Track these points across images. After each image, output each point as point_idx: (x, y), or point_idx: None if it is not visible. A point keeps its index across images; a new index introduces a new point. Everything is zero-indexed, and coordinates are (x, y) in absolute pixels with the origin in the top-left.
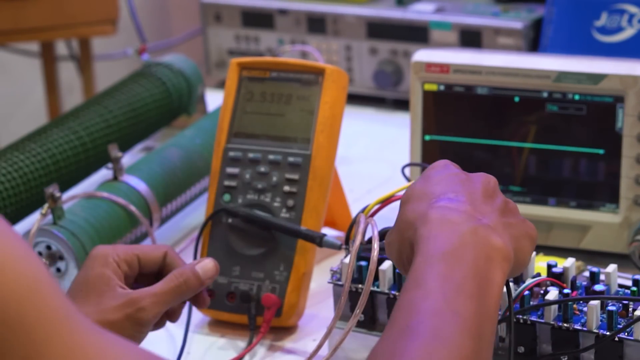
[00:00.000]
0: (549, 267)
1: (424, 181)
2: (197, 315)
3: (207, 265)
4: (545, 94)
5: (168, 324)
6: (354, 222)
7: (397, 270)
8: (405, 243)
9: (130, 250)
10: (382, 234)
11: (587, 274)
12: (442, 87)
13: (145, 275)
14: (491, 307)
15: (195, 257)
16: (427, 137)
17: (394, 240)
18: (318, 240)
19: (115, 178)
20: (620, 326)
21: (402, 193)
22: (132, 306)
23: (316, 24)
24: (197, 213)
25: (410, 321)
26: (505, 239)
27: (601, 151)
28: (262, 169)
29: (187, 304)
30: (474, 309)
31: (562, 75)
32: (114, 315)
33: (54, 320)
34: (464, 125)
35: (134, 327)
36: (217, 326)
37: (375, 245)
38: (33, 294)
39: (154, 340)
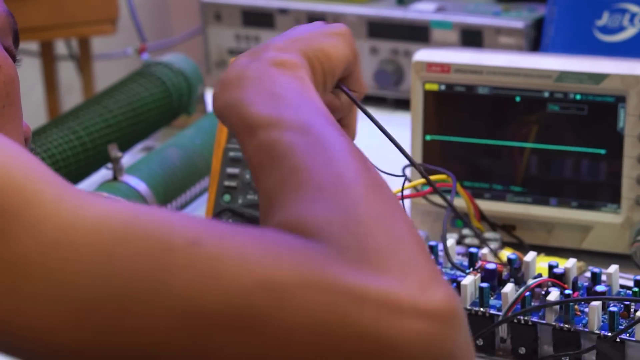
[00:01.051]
0: (550, 267)
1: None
2: None
3: None
4: (546, 94)
5: None
6: None
7: None
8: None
9: None
10: None
11: (588, 274)
12: (443, 87)
13: None
14: (314, 101)
15: None
16: (428, 137)
17: None
18: None
19: (115, 178)
20: (622, 327)
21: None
22: None
23: None
24: (197, 213)
25: (272, 152)
26: (292, 52)
27: (603, 151)
28: None
29: None
30: (311, 107)
31: (563, 75)
32: None
33: (44, 177)
34: (465, 125)
35: None
36: None
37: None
38: (24, 164)
39: None
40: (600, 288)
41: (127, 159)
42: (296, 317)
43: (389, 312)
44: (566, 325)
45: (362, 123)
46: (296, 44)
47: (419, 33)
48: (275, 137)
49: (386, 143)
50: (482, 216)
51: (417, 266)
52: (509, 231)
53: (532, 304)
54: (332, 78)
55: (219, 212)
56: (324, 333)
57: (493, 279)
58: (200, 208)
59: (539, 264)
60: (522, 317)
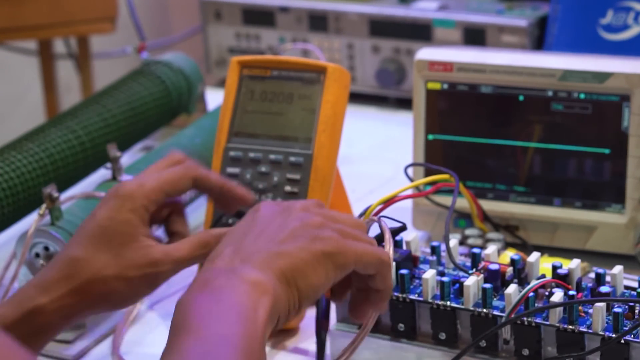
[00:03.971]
0: (554, 268)
1: None
2: None
3: None
4: (550, 93)
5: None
6: None
7: (400, 272)
8: None
9: (159, 189)
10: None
11: (592, 275)
12: (445, 86)
13: None
14: (257, 333)
15: None
16: (431, 137)
17: None
18: None
19: (114, 178)
20: (626, 328)
21: (405, 193)
22: (153, 267)
23: (318, 21)
24: (197, 213)
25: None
26: (269, 273)
27: (607, 151)
28: (263, 168)
29: None
30: (240, 331)
31: (567, 74)
32: (133, 273)
33: None
34: (467, 124)
35: (148, 285)
36: None
37: (389, 247)
38: None
39: (155, 344)
40: (604, 289)
41: (126, 158)
42: None
43: None
44: (570, 327)
45: (365, 121)
46: (278, 262)
47: (421, 31)
48: (183, 341)
49: (389, 143)
50: (485, 216)
51: None
52: (512, 231)
53: (536, 305)
54: (308, 301)
55: (222, 214)
56: None
57: (496, 280)
58: (200, 208)
59: (543, 264)
60: (525, 319)
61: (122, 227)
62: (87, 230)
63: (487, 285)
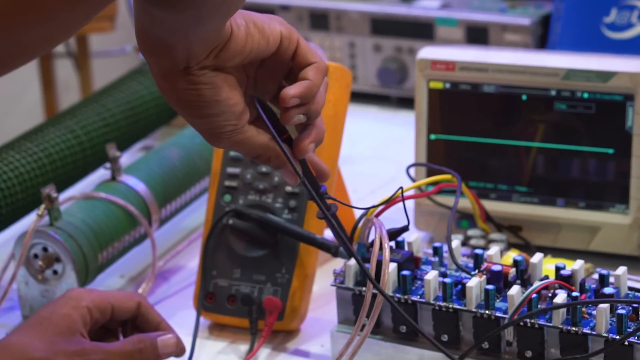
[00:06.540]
0: (557, 269)
1: None
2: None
3: (168, 340)
4: (553, 92)
5: (176, 328)
6: (357, 223)
7: (401, 272)
8: None
9: (106, 298)
10: (391, 234)
11: (596, 276)
12: (447, 85)
13: (116, 320)
14: None
15: (203, 260)
16: (433, 136)
17: None
18: (334, 251)
19: (113, 178)
20: (630, 330)
21: (407, 194)
22: (81, 356)
23: (319, 20)
24: (197, 214)
25: None
26: None
27: (610, 150)
28: (264, 168)
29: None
30: None
31: (570, 73)
32: (61, 359)
33: None
34: (470, 124)
35: None
36: (218, 330)
37: (386, 246)
38: None
39: None
40: (608, 290)
41: (126, 158)
42: None
43: None
44: (573, 328)
45: (366, 120)
46: None
47: (423, 30)
48: None
49: (390, 142)
50: (487, 217)
51: None
52: (515, 232)
53: (539, 306)
54: None
55: (224, 214)
56: None
57: (499, 281)
58: (201, 208)
59: (546, 265)
60: (528, 320)
61: (61, 319)
62: (29, 320)
63: (490, 287)
